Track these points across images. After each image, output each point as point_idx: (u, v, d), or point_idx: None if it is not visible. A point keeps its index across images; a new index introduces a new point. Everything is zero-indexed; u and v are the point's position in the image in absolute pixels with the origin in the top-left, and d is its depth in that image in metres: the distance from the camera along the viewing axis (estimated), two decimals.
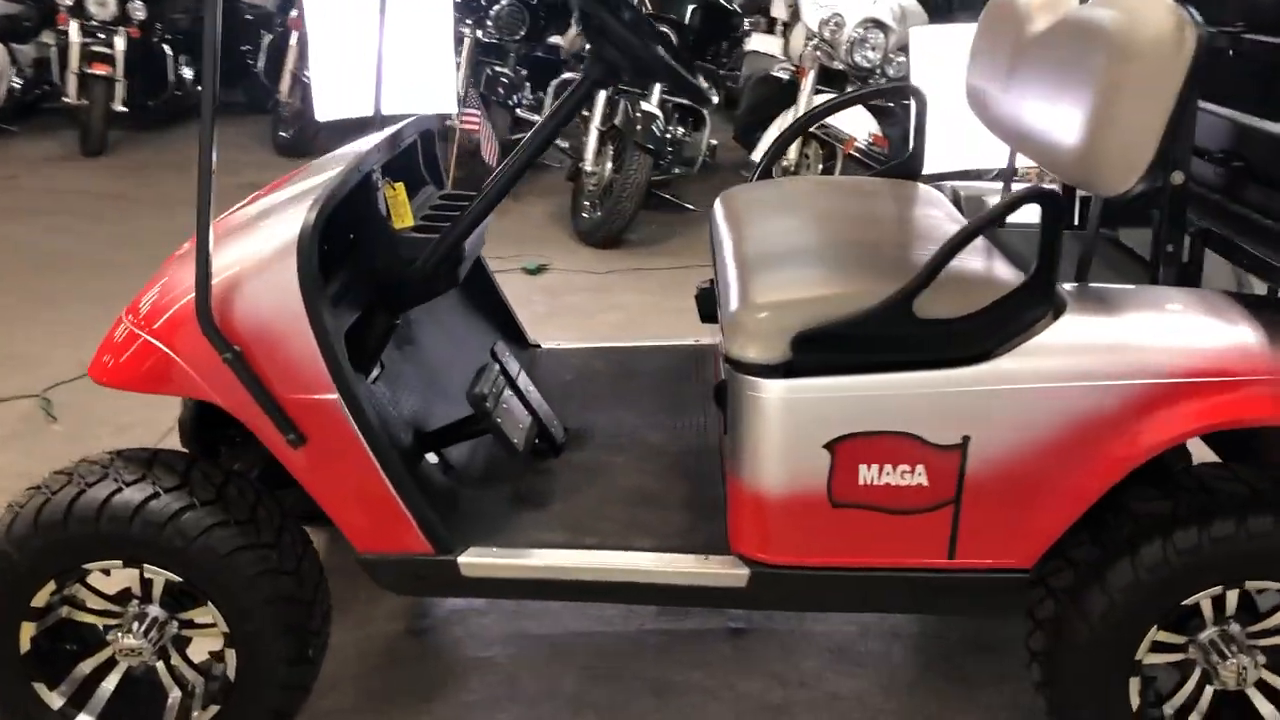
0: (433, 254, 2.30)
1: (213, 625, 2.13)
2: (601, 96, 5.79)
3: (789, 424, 1.99)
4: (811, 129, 5.38)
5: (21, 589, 2.10)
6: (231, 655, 2.13)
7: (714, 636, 2.65)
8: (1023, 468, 1.97)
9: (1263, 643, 2.07)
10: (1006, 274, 2.07)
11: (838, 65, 5.77)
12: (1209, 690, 2.08)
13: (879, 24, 5.73)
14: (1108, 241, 2.63)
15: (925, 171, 5.41)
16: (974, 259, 2.14)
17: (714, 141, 6.53)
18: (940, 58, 5.03)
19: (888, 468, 1.99)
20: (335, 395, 2.05)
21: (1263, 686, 2.08)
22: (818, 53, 5.76)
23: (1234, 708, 2.10)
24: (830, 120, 5.67)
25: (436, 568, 2.12)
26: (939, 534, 2.02)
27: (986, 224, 1.98)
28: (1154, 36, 1.88)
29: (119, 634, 2.16)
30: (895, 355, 1.97)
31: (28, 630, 2.14)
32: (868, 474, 1.99)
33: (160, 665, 2.19)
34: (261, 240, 2.10)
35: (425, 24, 5.36)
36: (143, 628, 2.15)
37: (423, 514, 2.10)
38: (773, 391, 1.98)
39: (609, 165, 5.83)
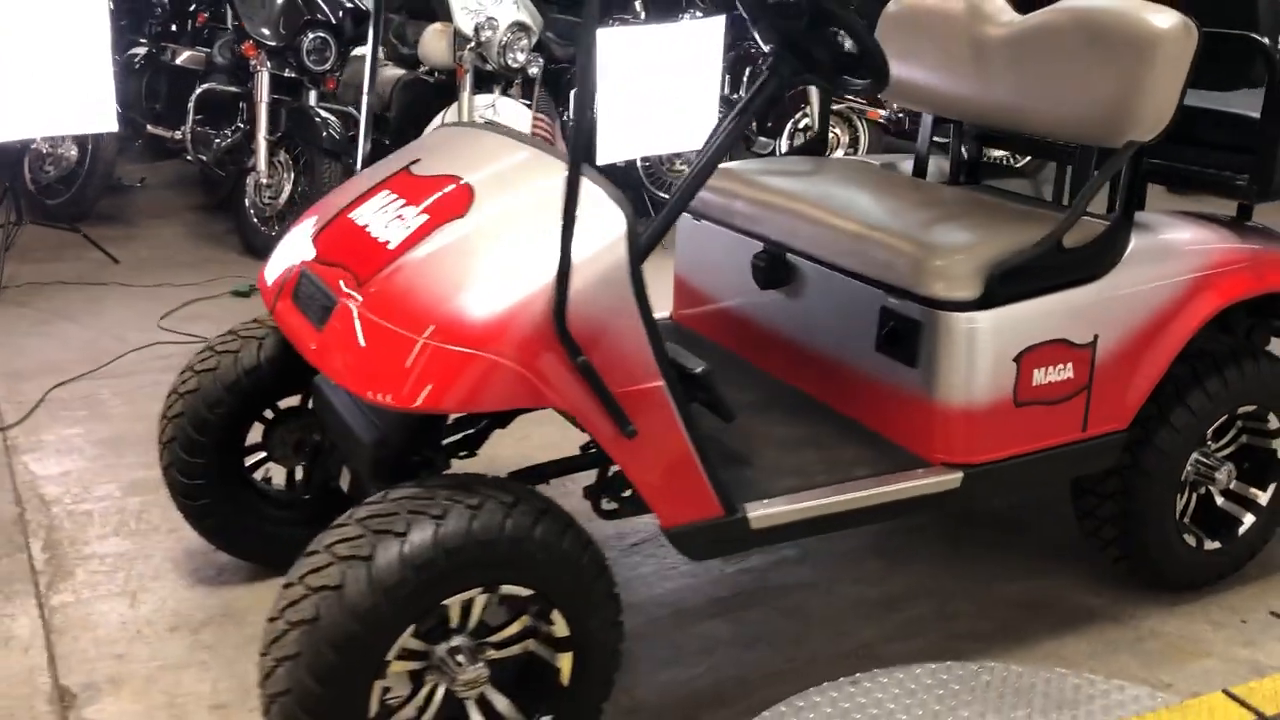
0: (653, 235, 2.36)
1: (521, 637, 2.14)
2: (265, 100, 5.55)
3: (992, 346, 2.48)
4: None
5: (380, 643, 1.96)
6: (567, 659, 2.16)
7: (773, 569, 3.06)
8: (1126, 352, 2.65)
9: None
10: (1089, 216, 2.70)
11: (489, 67, 6.07)
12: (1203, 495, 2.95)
13: (524, 27, 6.11)
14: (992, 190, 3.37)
15: (608, 160, 5.97)
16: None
17: None
18: (623, 57, 5.58)
19: (1050, 368, 2.56)
20: (660, 382, 2.16)
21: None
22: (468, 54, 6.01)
23: None
24: (506, 120, 5.98)
25: (731, 527, 2.31)
26: (1077, 414, 2.64)
27: (1106, 179, 2.59)
28: (1171, 27, 2.61)
29: (455, 669, 2.08)
30: (1052, 280, 2.54)
31: (378, 690, 1.99)
32: (1039, 375, 2.55)
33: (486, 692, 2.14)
34: (553, 236, 2.12)
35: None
36: (473, 656, 2.09)
37: (717, 480, 2.27)
38: (979, 321, 2.46)
39: (288, 175, 5.62)
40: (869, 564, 3.09)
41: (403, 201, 2.41)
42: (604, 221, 2.12)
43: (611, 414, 2.11)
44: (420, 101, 6.22)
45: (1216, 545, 2.97)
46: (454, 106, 6.01)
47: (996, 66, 2.97)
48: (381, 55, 7.00)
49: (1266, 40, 2.71)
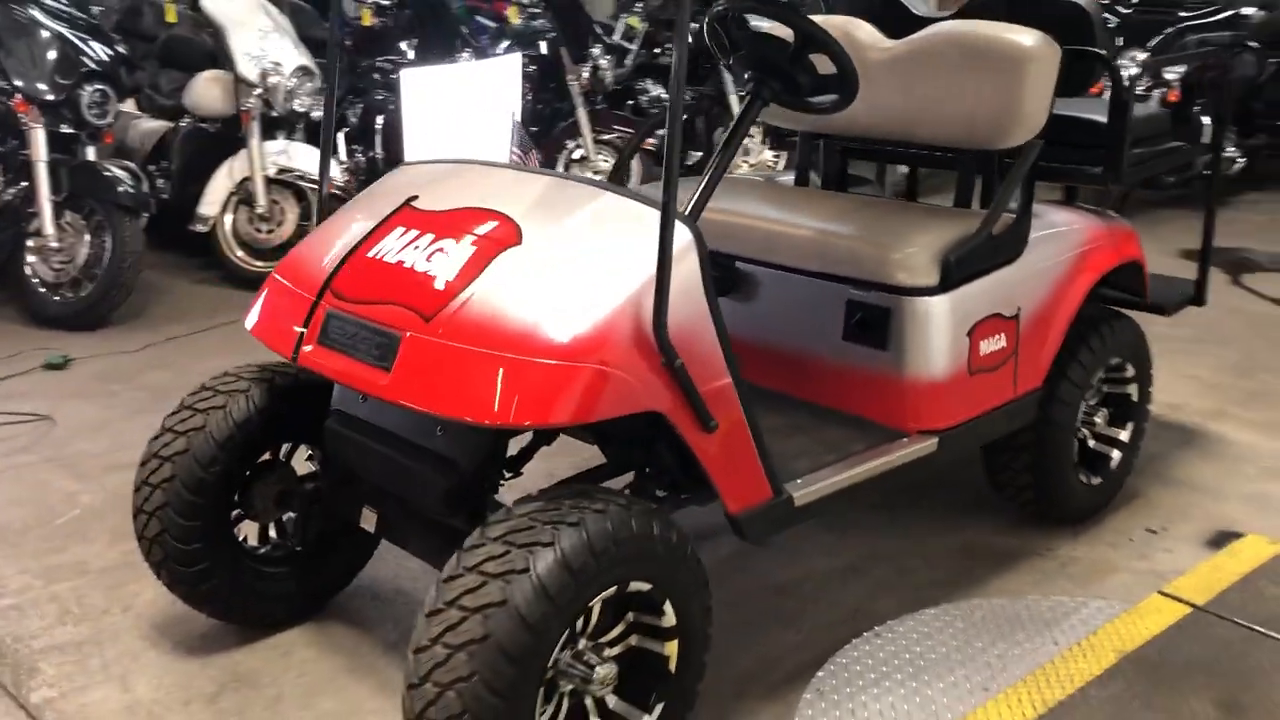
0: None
1: (627, 633, 2.28)
2: (44, 159, 5.17)
3: (952, 324, 2.85)
4: None
5: (547, 651, 2.03)
6: (674, 647, 2.30)
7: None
8: (1039, 320, 3.10)
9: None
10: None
11: (274, 113, 5.95)
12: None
13: (308, 71, 6.03)
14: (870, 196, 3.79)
15: None
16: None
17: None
18: (426, 96, 5.64)
19: (991, 339, 2.97)
20: (729, 379, 2.36)
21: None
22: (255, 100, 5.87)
23: None
24: (302, 166, 5.88)
25: (780, 508, 2.53)
26: (1009, 377, 3.06)
27: (1020, 176, 3.01)
28: (1037, 44, 3.08)
29: (587, 670, 2.18)
30: (987, 263, 2.94)
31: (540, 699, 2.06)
32: (985, 346, 2.95)
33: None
34: (618, 252, 2.27)
35: None
36: (597, 657, 2.20)
37: (769, 465, 2.49)
38: (941, 304, 2.83)
39: (81, 237, 5.26)
40: (822, 538, 3.39)
41: (431, 236, 2.46)
42: (648, 233, 2.28)
43: (697, 411, 2.29)
44: (202, 152, 5.99)
45: (1097, 480, 3.50)
46: (241, 155, 5.85)
47: (881, 87, 3.35)
48: (133, 108, 6.68)
49: (1106, 54, 3.26)
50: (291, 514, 2.89)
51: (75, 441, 4.09)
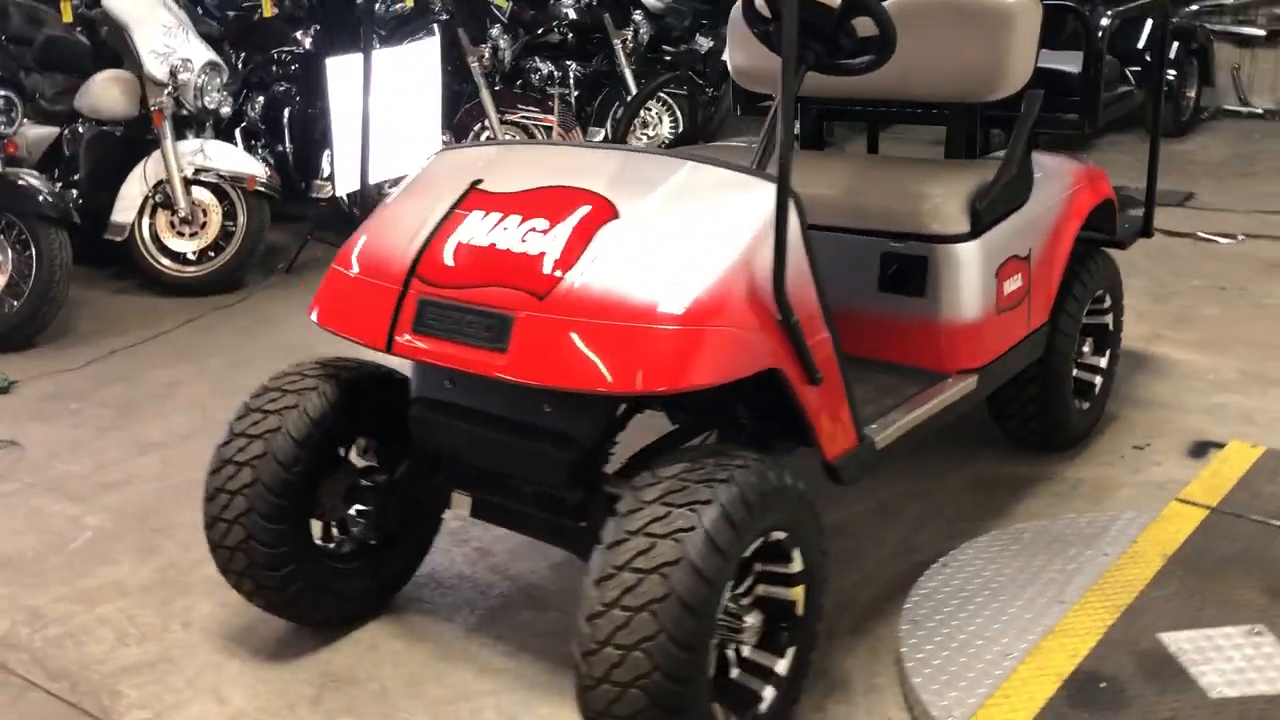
0: None
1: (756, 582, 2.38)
2: None
3: (983, 267, 3.02)
4: None
5: (719, 602, 2.11)
6: (800, 591, 2.41)
7: None
8: (1044, 258, 3.31)
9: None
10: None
11: (185, 111, 5.73)
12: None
13: (216, 66, 5.83)
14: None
15: (348, 189, 5.95)
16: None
17: None
18: (350, 85, 5.52)
19: (1011, 279, 3.16)
20: (828, 333, 2.47)
21: None
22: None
23: None
24: (222, 165, 5.69)
25: (864, 452, 2.65)
26: (1024, 313, 3.26)
27: (1028, 126, 3.18)
28: (1024, 1, 3.28)
29: (736, 620, 2.27)
30: (1005, 209, 3.13)
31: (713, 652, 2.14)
32: (1008, 286, 3.14)
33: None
34: (719, 218, 2.35)
35: None
36: (742, 609, 2.30)
37: (856, 413, 2.62)
38: (974, 249, 3.00)
39: (8, 253, 4.98)
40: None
41: (518, 217, 2.48)
42: (764, 204, 2.38)
43: (807, 366, 2.39)
44: (109, 157, 5.73)
45: (1086, 405, 3.75)
46: (155, 157, 5.63)
47: None
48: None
49: (1086, 11, 3.48)
50: (362, 508, 2.86)
51: (54, 465, 3.91)
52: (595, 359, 2.23)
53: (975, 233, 3.02)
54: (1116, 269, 3.76)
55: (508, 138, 6.75)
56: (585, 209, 2.43)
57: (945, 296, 3.01)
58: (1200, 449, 3.71)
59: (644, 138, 8.02)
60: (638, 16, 7.99)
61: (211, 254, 5.70)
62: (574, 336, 2.26)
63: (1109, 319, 3.81)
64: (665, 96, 8.02)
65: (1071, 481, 3.55)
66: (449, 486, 2.71)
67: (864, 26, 2.72)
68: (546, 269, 2.35)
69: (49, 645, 2.89)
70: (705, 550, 2.08)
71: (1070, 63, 3.58)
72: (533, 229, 2.44)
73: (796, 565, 2.38)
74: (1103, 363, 3.83)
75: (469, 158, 2.85)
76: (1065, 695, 2.44)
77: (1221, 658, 2.53)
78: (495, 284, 2.39)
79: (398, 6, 7.63)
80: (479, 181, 2.65)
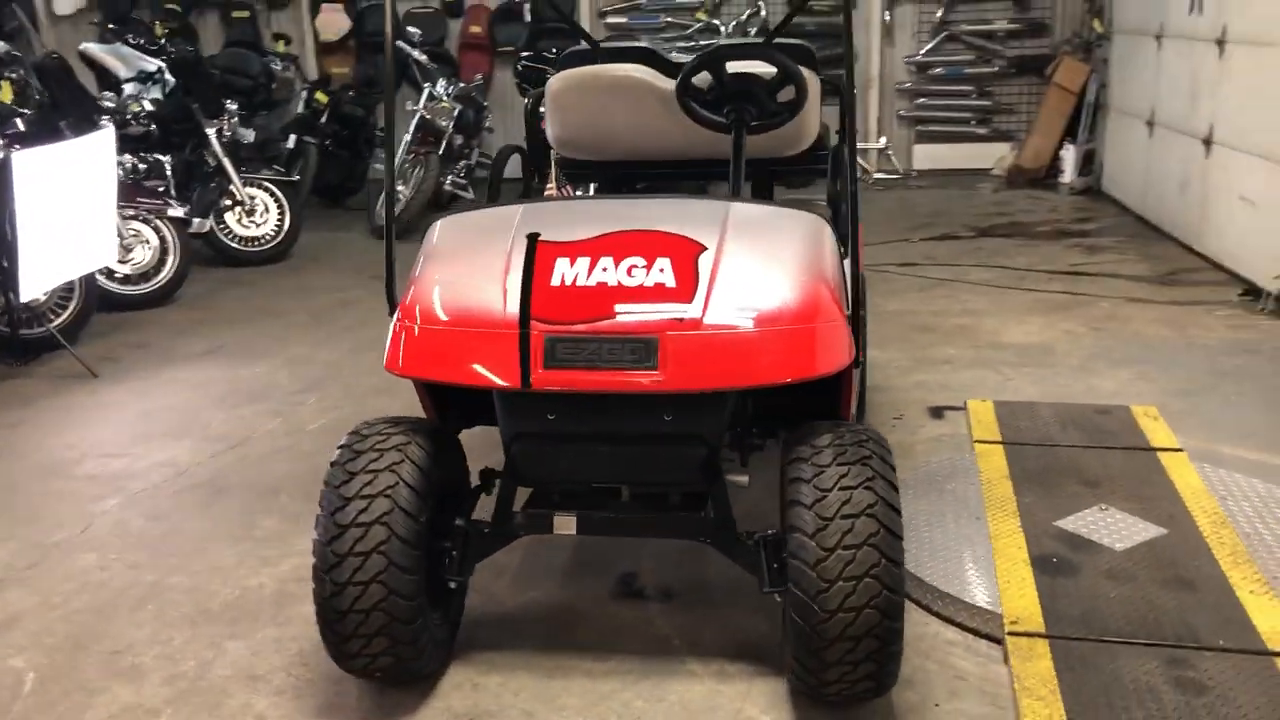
0: None
1: None
2: None
3: None
4: None
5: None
6: None
7: None
8: None
9: None
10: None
11: None
12: None
13: None
14: None
15: (31, 295, 5.61)
16: None
17: None
18: (40, 177, 5.06)
19: None
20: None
21: None
22: None
23: None
24: None
25: (859, 419, 3.31)
26: None
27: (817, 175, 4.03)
28: (812, 76, 4.15)
29: None
30: None
31: None
32: None
33: None
34: (789, 242, 2.91)
35: None
36: None
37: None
38: None
39: None
40: None
41: (610, 259, 2.82)
42: (818, 225, 2.99)
43: (861, 349, 3.02)
44: None
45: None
46: None
47: (682, 114, 4.17)
48: None
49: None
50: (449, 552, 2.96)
51: None
52: (740, 361, 2.69)
53: None
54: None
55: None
56: (675, 246, 2.86)
57: None
58: (937, 412, 4.81)
59: (251, 225, 7.94)
60: (231, 105, 7.91)
61: None
62: (719, 346, 2.69)
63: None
64: (269, 186, 8.02)
65: None
66: (551, 512, 2.95)
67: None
68: (672, 295, 2.75)
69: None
70: (889, 488, 2.63)
71: None
72: (634, 266, 2.81)
73: None
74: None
75: (492, 218, 3.11)
76: (1039, 572, 3.29)
77: (1101, 528, 3.54)
78: (625, 314, 2.73)
79: None
80: (536, 235, 2.94)
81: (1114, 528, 3.54)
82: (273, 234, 7.98)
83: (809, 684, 2.69)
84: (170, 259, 6.94)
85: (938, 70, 10.71)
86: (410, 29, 9.51)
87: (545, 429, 2.87)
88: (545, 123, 4.39)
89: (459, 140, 9.36)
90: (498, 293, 2.81)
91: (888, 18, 10.64)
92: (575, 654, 3.09)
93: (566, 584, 3.47)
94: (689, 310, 2.72)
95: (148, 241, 6.88)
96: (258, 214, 7.94)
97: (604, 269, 2.82)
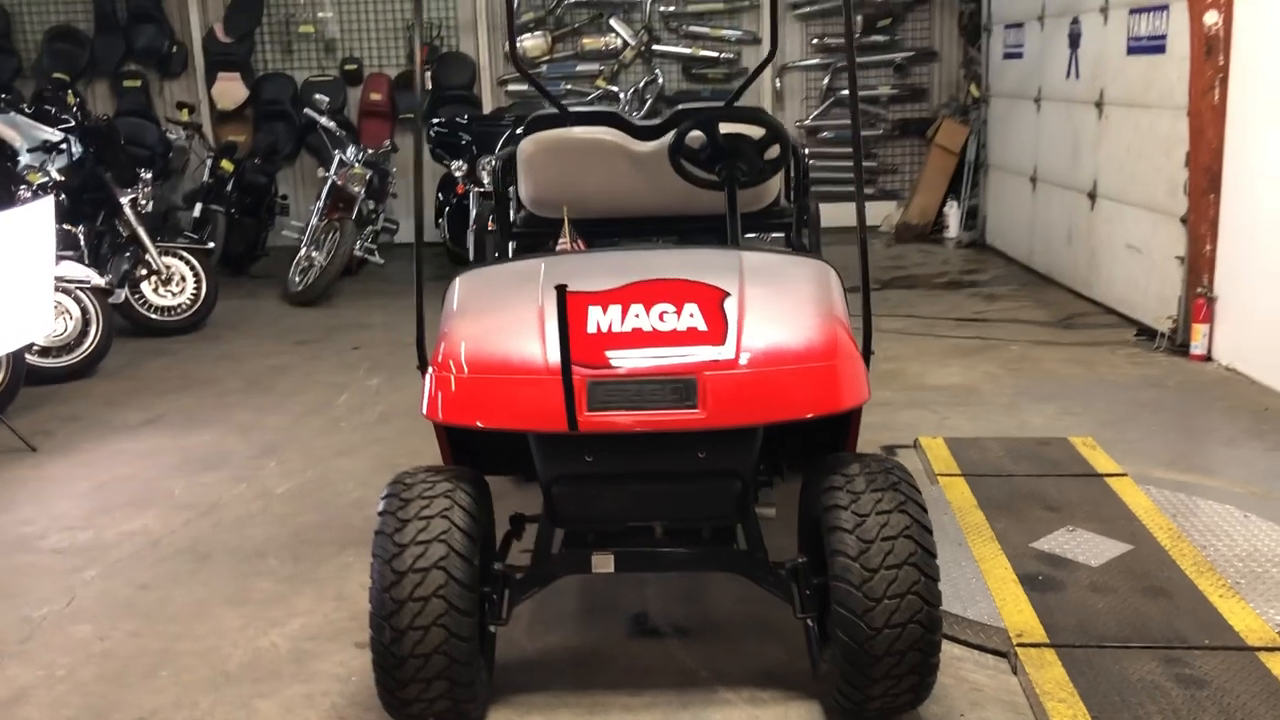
0: None
1: None
2: None
3: None
4: None
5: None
6: None
7: None
8: None
9: None
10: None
11: None
12: None
13: None
14: None
15: None
16: None
17: None
18: None
19: None
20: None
21: None
22: None
23: None
24: None
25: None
26: None
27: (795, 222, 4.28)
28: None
29: None
30: None
31: None
32: None
33: None
34: (804, 286, 3.11)
35: None
36: None
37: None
38: None
39: None
40: None
41: (640, 306, 2.98)
42: (824, 270, 3.20)
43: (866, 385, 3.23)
44: None
45: None
46: None
47: (654, 176, 4.36)
48: None
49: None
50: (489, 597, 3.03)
51: None
52: (777, 396, 2.86)
53: None
54: None
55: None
56: (700, 292, 3.03)
57: None
58: (890, 450, 5.07)
59: (167, 295, 7.82)
60: (146, 174, 7.79)
61: None
62: (754, 384, 2.87)
63: None
64: (185, 255, 7.91)
65: None
66: (589, 551, 3.05)
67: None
68: (705, 338, 2.91)
69: None
70: (920, 509, 2.83)
71: None
72: (664, 312, 2.98)
73: None
74: None
75: (514, 272, 3.25)
76: (1028, 589, 3.53)
77: (1073, 547, 3.81)
78: (663, 357, 2.88)
79: None
80: (564, 286, 3.07)
81: (1085, 546, 3.81)
82: (189, 303, 7.87)
83: (854, 700, 2.85)
84: (93, 330, 6.79)
85: (825, 134, 11.21)
86: (318, 96, 9.52)
87: (584, 470, 2.98)
88: (516, 182, 4.54)
89: (370, 206, 9.40)
90: (536, 341, 2.93)
91: (779, 84, 11.13)
92: (609, 691, 3.18)
93: (582, 628, 3.55)
94: (723, 351, 2.89)
95: (69, 312, 6.72)
96: (174, 283, 7.82)
97: (636, 315, 2.97)
